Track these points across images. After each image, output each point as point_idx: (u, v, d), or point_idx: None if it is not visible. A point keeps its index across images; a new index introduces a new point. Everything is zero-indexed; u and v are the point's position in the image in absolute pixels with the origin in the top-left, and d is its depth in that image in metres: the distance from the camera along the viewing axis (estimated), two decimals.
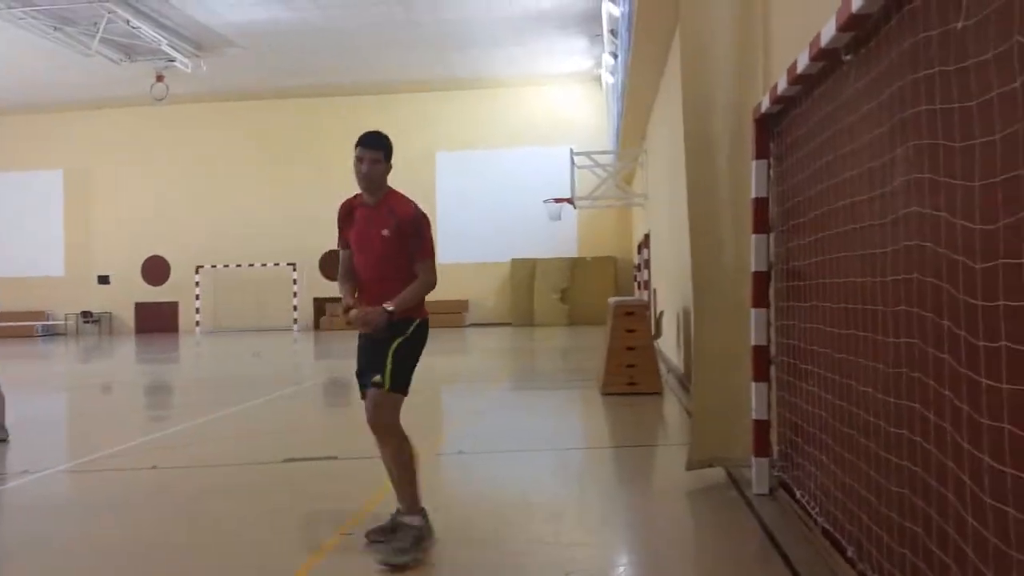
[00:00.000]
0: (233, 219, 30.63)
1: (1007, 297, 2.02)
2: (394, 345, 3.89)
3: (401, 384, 3.91)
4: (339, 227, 4.20)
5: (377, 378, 3.86)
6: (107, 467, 6.33)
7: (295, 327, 29.82)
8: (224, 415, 8.89)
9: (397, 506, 4.01)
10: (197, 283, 30.54)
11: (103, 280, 31.73)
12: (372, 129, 4.07)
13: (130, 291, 31.44)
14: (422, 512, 3.97)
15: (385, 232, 3.99)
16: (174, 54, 23.42)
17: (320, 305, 30.17)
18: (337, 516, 4.66)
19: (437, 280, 4.08)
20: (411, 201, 4.09)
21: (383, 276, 4.02)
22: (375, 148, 3.99)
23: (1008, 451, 2.03)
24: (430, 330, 4.11)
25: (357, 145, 3.99)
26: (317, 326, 29.97)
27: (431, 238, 4.08)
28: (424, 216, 4.07)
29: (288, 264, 30.18)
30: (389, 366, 3.86)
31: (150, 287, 31.46)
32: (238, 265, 30.62)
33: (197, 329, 30.13)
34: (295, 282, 30.10)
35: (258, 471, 6.12)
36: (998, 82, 2.03)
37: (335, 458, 6.39)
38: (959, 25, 2.24)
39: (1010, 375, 2.01)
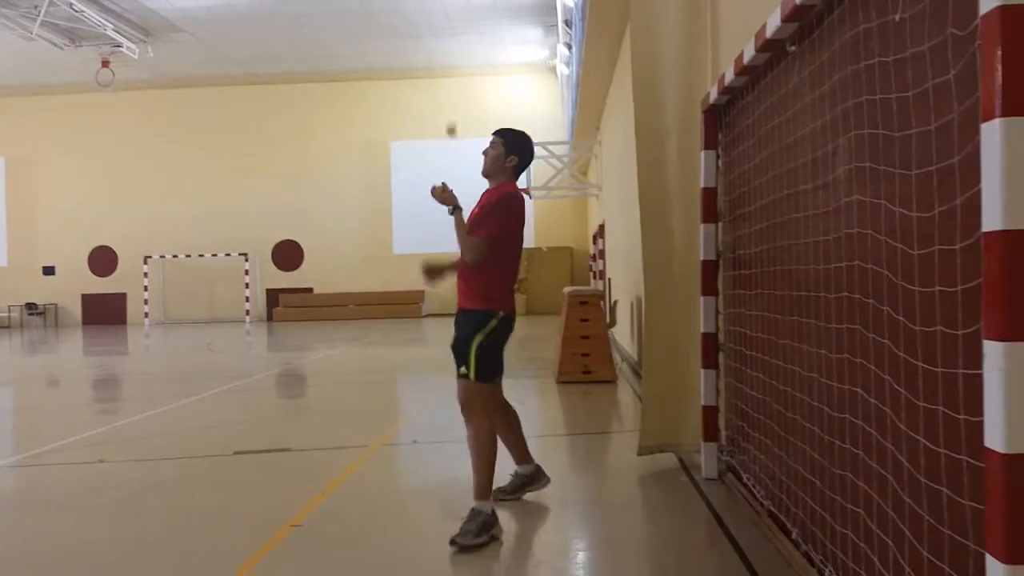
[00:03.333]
0: (182, 209, 30.01)
1: (942, 283, 2.07)
2: (476, 342, 4.03)
3: (486, 375, 4.07)
4: None
5: (463, 369, 4.07)
6: (53, 462, 6.19)
7: (247, 319, 29.41)
8: (174, 408, 8.75)
9: (516, 468, 4.51)
10: (145, 274, 29.91)
11: (48, 271, 30.89)
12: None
13: (76, 282, 30.65)
14: (491, 499, 4.02)
15: (476, 210, 4.20)
16: (120, 39, 22.81)
17: (274, 296, 29.79)
18: (287, 508, 4.62)
19: (478, 259, 4.04)
20: (513, 187, 4.21)
21: (463, 263, 4.11)
22: (495, 135, 4.29)
23: (942, 433, 2.09)
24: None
25: None
26: (270, 317, 29.60)
27: (502, 223, 4.08)
28: (511, 196, 4.13)
29: (240, 254, 29.72)
30: (473, 362, 4.03)
31: (97, 278, 30.70)
32: (188, 255, 30.05)
33: (146, 321, 29.54)
34: (247, 272, 29.65)
35: (208, 464, 6.04)
36: (933, 73, 2.08)
37: (287, 450, 6.34)
38: (896, 17, 2.29)
39: (944, 359, 2.07)
